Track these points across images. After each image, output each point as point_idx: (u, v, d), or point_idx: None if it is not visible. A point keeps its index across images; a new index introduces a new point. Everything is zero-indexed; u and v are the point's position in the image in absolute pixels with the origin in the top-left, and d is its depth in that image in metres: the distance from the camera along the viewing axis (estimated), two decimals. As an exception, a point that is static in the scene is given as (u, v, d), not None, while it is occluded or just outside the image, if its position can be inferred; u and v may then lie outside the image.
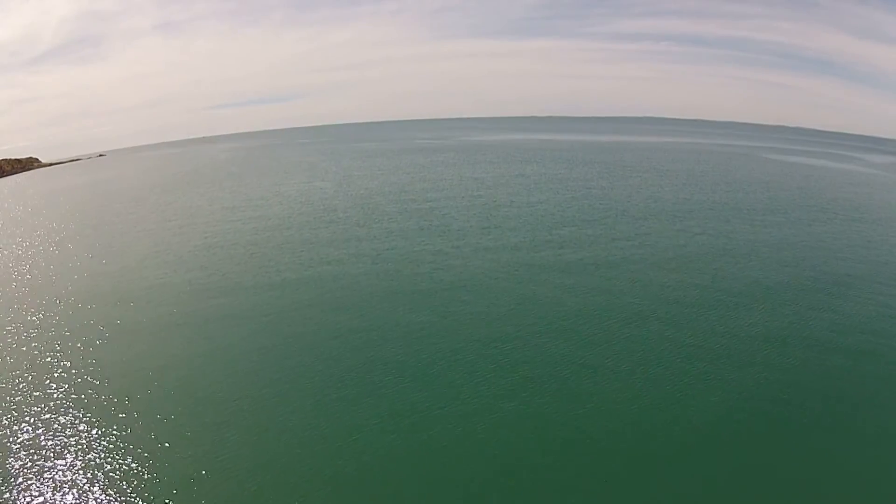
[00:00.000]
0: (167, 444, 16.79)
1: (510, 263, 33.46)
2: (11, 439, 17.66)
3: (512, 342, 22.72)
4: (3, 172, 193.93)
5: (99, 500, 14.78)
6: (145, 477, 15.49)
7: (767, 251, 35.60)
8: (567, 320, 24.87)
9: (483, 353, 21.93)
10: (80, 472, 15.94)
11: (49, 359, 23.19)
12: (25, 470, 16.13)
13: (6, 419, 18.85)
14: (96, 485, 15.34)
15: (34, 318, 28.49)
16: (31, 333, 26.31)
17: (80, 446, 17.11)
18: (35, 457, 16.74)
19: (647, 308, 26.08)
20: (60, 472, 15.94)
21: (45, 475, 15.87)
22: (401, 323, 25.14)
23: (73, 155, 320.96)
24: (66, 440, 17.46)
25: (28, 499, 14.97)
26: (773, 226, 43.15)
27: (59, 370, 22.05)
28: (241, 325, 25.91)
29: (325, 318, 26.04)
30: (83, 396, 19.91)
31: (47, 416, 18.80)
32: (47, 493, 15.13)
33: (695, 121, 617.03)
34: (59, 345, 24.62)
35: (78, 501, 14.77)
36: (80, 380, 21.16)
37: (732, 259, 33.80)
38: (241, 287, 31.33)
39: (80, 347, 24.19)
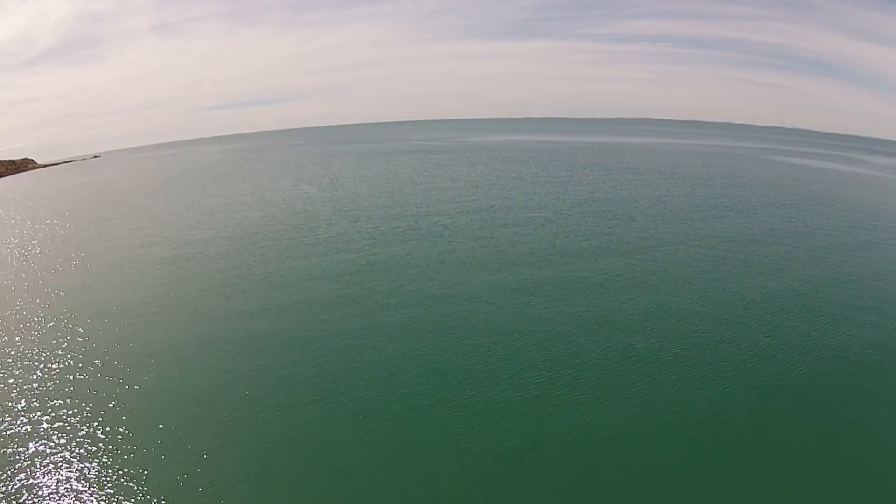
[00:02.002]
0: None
1: (505, 286, 29.97)
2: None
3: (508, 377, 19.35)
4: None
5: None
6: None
7: (799, 272, 32.08)
8: (576, 362, 21.44)
9: (475, 399, 18.54)
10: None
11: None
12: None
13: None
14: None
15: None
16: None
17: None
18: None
19: (664, 350, 22.68)
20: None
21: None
22: (375, 356, 21.73)
23: (69, 156, 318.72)
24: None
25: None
26: (797, 238, 39.71)
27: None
28: (194, 354, 22.46)
29: (289, 353, 22.56)
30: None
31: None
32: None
33: (691, 122, 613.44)
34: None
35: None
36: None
37: (763, 284, 30.19)
38: (200, 312, 27.85)
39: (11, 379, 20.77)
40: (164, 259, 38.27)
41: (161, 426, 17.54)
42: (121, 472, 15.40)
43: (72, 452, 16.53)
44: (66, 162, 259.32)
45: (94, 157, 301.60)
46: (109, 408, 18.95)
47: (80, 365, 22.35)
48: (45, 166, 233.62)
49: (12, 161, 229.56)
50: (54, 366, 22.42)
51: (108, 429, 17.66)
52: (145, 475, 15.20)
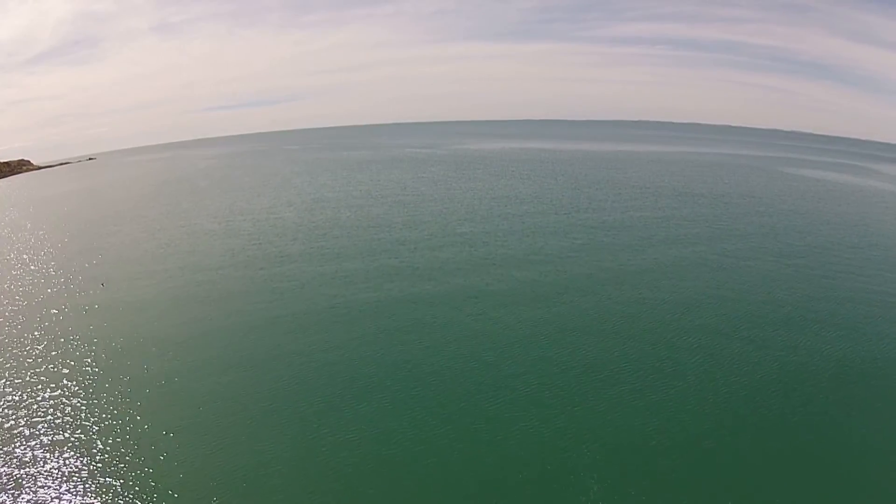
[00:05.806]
0: None
1: (501, 363, 24.23)
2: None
3: None
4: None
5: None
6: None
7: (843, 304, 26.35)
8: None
9: None
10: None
11: None
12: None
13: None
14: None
15: None
16: None
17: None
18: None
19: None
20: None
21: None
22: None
23: (66, 157, 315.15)
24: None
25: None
26: (835, 272, 34.15)
27: None
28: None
29: (235, 447, 16.92)
30: None
31: None
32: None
33: (691, 124, 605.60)
34: None
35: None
36: None
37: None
38: (125, 400, 22.22)
39: None
40: (99, 316, 32.69)
41: None
42: None
43: None
44: (61, 164, 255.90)
45: (90, 158, 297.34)
46: None
47: None
48: (41, 168, 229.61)
49: (7, 163, 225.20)
50: None
51: None
52: None
